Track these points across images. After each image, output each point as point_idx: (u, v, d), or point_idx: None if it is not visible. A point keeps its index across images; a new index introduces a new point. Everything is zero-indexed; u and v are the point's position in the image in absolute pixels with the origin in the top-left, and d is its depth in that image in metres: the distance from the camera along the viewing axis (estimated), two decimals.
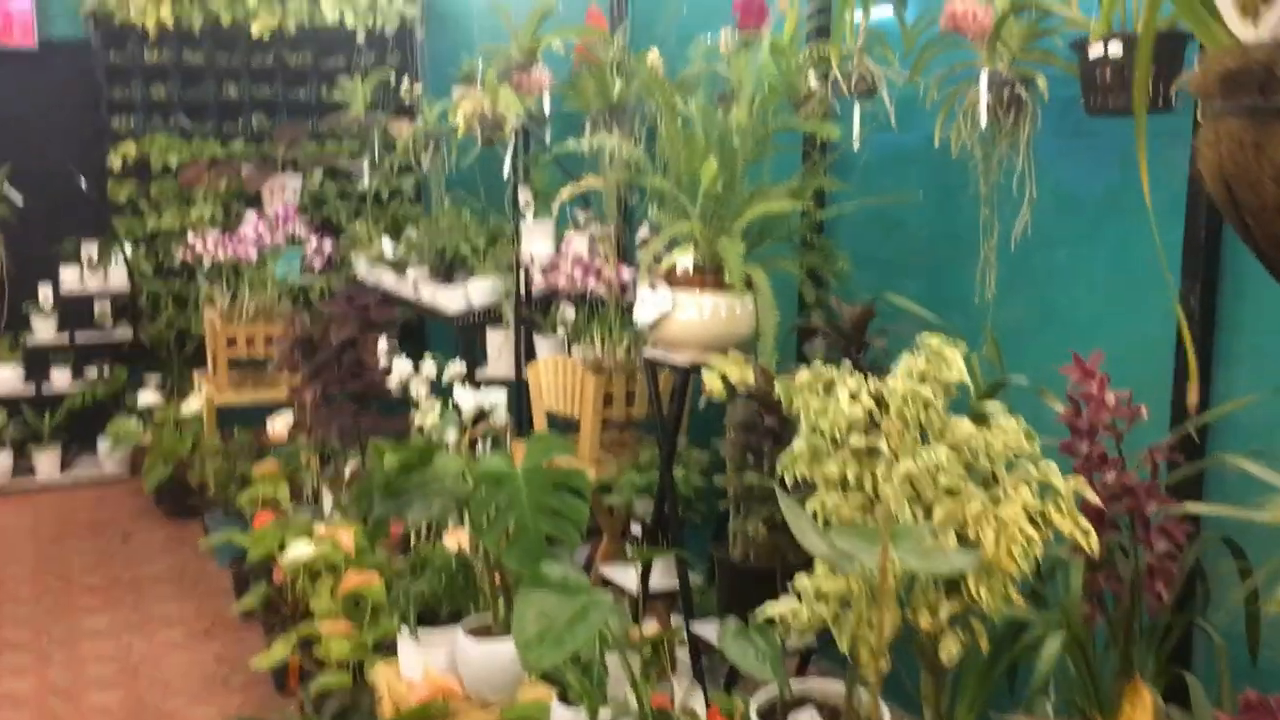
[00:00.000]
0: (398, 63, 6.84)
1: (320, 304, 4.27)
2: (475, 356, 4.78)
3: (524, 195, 4.45)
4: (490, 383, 4.33)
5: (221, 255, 5.13)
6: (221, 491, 4.74)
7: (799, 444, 1.87)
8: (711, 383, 2.97)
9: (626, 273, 3.87)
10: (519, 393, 4.57)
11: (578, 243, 4.37)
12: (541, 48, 3.56)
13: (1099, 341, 2.73)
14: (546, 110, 3.68)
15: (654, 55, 3.71)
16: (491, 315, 4.74)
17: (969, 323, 2.99)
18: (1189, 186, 2.47)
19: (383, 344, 3.88)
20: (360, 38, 6.70)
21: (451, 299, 4.80)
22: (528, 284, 4.56)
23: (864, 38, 3.06)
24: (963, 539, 1.78)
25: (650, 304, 3.22)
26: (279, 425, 4.60)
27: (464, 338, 4.75)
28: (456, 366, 3.87)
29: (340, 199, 6.78)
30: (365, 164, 5.97)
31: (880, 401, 1.80)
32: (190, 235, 5.43)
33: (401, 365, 3.77)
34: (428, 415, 3.58)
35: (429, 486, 2.55)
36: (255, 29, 6.47)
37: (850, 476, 1.74)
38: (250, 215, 5.29)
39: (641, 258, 3.15)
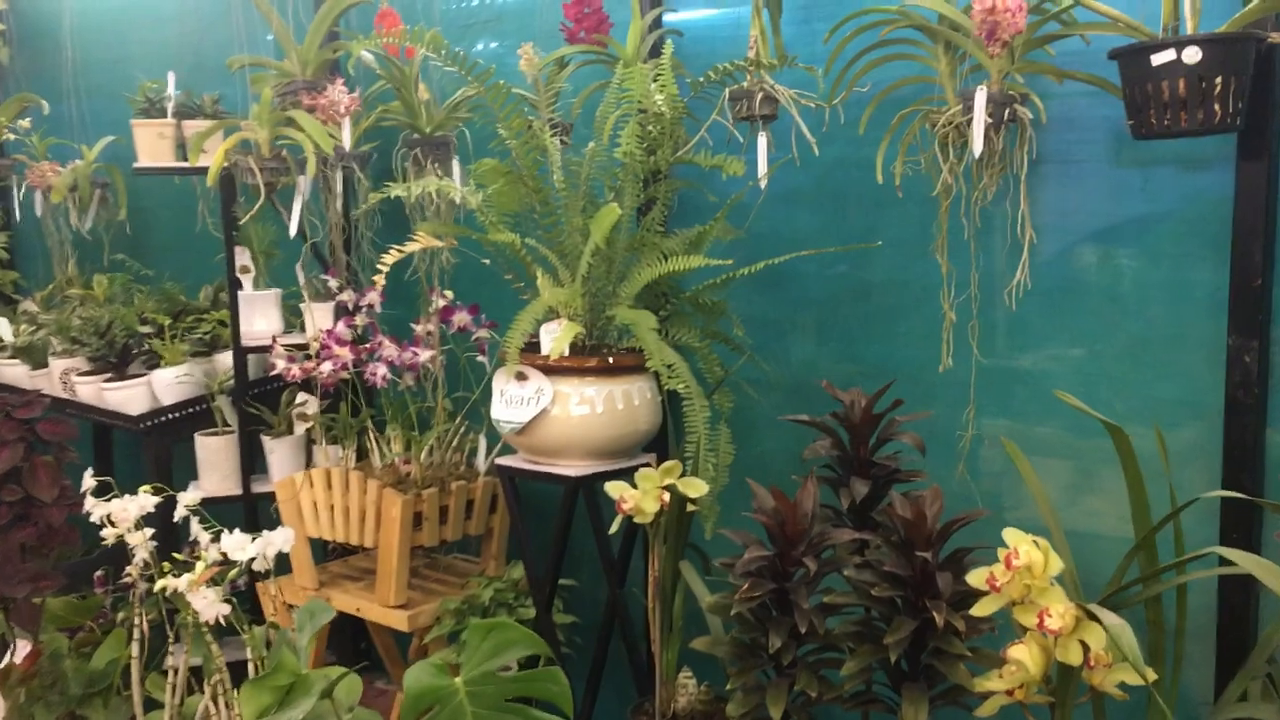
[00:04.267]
0: None
1: None
2: (165, 472, 3.63)
3: (241, 257, 3.41)
4: (203, 505, 3.23)
5: None
6: None
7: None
8: (640, 502, 2.21)
9: (422, 353, 2.98)
10: (250, 516, 3.50)
11: (320, 315, 3.41)
12: (352, 59, 2.56)
13: (1124, 414, 2.29)
14: (347, 143, 2.72)
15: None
16: (188, 414, 3.62)
17: (924, 394, 2.47)
18: (1235, 223, 2.08)
19: (88, 479, 2.71)
20: None
21: (130, 397, 3.61)
22: (243, 372, 3.51)
23: (761, 51, 2.45)
24: None
25: (518, 399, 2.41)
26: None
27: (153, 447, 3.59)
28: (191, 493, 2.78)
29: None
30: None
31: None
32: None
33: (119, 504, 2.64)
34: (177, 575, 2.49)
35: None
36: None
37: None
38: None
39: (508, 338, 2.33)
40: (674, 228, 2.70)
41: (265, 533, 2.58)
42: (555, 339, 2.27)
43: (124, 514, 2.63)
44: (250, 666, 2.72)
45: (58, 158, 4.14)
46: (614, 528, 2.29)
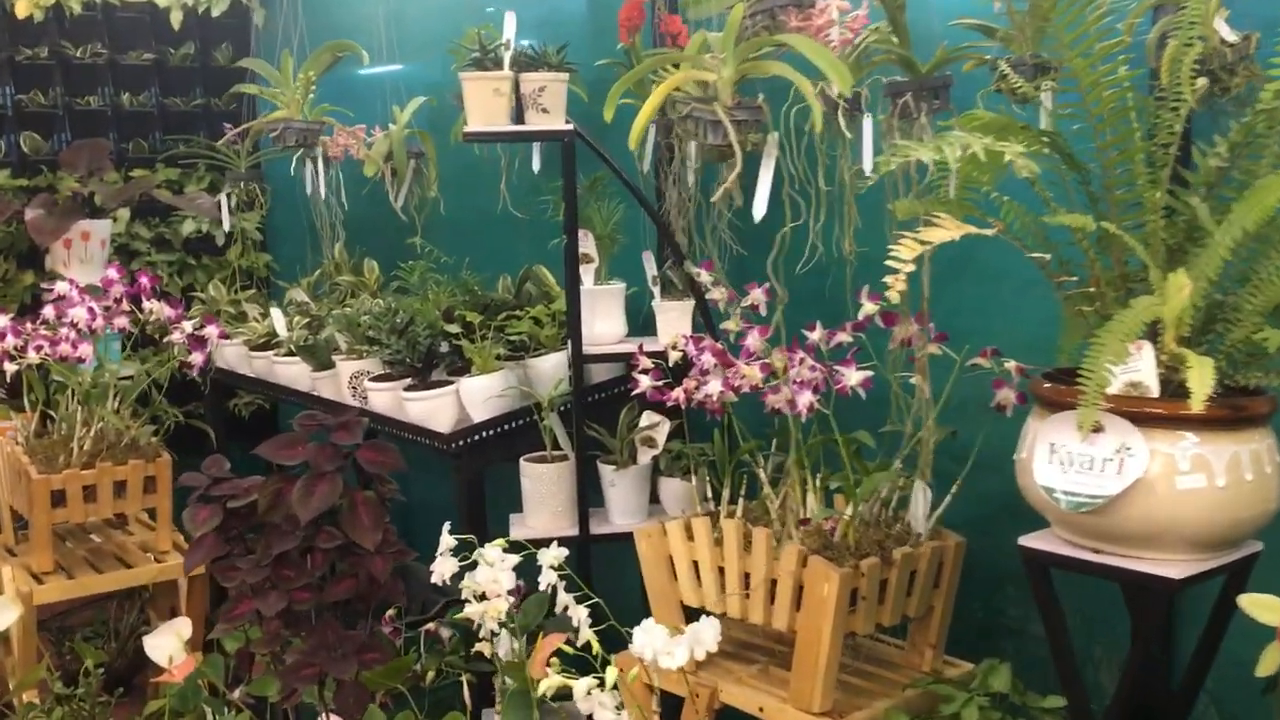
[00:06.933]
0: (228, 58, 4.97)
1: (269, 446, 2.39)
2: (478, 502, 3.02)
3: (584, 243, 2.75)
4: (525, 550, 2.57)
5: (34, 356, 3.08)
6: None
7: None
8: None
9: (850, 375, 2.24)
10: (583, 564, 2.85)
11: (674, 317, 2.73)
12: None
13: None
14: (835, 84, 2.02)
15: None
16: (503, 432, 3.00)
17: None
18: None
19: (447, 537, 2.09)
20: (176, 21, 4.76)
21: (435, 409, 3.01)
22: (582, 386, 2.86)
23: None
24: None
25: (1086, 461, 1.64)
26: (170, 648, 2.67)
27: (465, 471, 2.98)
28: (554, 551, 2.13)
29: (157, 248, 4.79)
30: (223, 197, 4.02)
31: None
32: None
33: (487, 575, 1.99)
34: (562, 681, 1.84)
35: None
36: (20, 8, 4.45)
37: None
38: (64, 287, 3.27)
39: (1088, 368, 1.57)
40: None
41: (692, 627, 1.89)
42: (1192, 376, 1.48)
43: (495, 587, 1.99)
44: None
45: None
46: (1267, 668, 1.50)
